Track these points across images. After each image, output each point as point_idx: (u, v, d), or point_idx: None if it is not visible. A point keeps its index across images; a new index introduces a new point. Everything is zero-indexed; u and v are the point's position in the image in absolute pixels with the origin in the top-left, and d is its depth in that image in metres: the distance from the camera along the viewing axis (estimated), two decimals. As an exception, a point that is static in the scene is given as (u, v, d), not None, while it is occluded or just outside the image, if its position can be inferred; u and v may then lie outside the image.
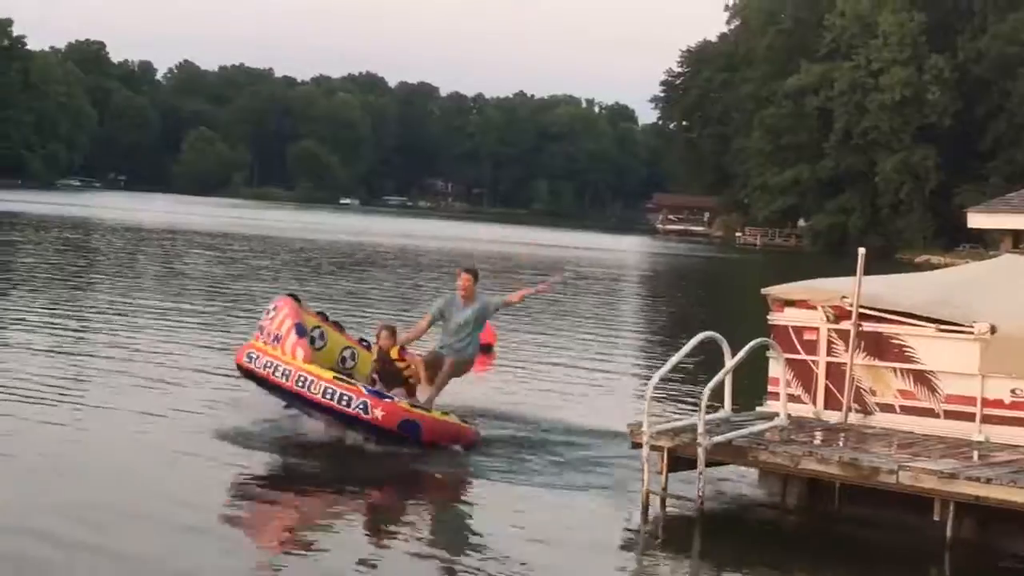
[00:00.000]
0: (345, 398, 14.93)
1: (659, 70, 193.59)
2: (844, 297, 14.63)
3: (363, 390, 15.12)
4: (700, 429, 12.90)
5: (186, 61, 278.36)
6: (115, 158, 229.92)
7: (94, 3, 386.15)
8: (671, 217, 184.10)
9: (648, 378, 15.16)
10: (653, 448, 13.20)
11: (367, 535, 12.45)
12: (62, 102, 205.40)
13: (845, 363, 14.56)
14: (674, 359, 13.45)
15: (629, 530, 12.74)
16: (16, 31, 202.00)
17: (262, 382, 15.86)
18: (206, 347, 23.90)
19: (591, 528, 12.62)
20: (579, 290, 49.83)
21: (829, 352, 14.77)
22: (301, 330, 15.85)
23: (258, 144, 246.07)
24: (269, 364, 15.58)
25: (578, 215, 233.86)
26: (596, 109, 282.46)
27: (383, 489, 14.39)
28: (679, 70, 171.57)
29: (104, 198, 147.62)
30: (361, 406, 14.88)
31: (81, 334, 24.92)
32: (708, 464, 13.02)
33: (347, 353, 17.21)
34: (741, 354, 13.56)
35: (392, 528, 12.53)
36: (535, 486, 14.11)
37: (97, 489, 12.95)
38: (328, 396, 15.01)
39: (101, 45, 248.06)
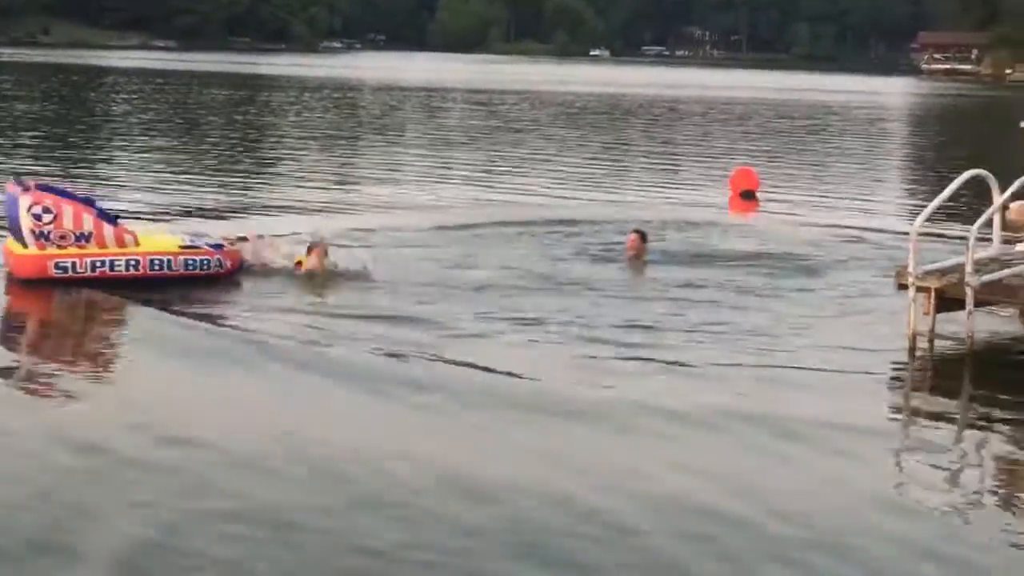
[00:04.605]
0: (204, 263, 15.78)
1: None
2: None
3: (210, 248, 15.91)
4: (968, 268, 12.64)
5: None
6: (374, 19, 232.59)
7: None
8: (936, 56, 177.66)
9: (913, 218, 14.88)
10: (919, 289, 12.94)
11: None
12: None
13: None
14: (939, 198, 13.14)
15: (896, 371, 12.60)
16: None
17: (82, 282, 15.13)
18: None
19: (857, 367, 12.46)
20: (840, 132, 48.98)
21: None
22: (107, 216, 15.70)
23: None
24: (100, 263, 15.27)
25: (839, 58, 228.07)
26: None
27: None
28: None
29: (365, 59, 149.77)
30: (217, 264, 15.83)
31: (352, 192, 25.59)
32: (977, 305, 12.77)
33: None
34: (1011, 189, 13.22)
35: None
36: (797, 325, 14.06)
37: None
38: (191, 267, 15.74)
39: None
